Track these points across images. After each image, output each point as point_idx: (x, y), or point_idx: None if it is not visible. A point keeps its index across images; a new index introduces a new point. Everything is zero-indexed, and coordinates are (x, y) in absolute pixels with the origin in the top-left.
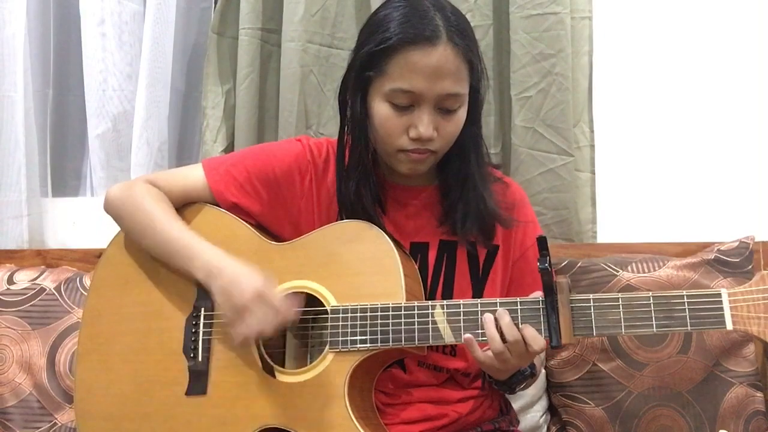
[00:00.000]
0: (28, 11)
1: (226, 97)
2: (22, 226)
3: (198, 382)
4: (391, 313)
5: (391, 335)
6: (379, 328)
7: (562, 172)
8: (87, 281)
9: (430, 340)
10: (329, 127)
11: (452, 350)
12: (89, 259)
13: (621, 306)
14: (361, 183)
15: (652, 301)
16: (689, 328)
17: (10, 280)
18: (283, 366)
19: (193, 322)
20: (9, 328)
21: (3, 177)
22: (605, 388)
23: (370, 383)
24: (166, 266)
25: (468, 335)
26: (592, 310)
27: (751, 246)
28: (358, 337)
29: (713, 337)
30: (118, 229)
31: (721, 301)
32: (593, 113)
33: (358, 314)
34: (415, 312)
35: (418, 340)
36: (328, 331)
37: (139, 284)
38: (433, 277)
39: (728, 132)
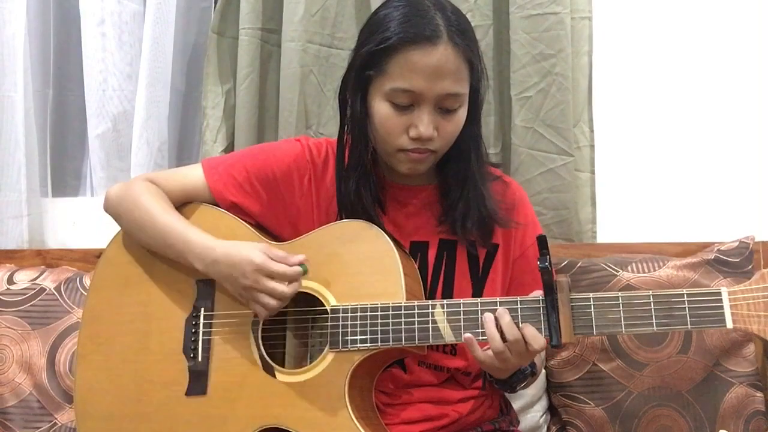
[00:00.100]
0: (28, 11)
1: (226, 97)
2: (22, 226)
3: (198, 382)
4: (391, 312)
5: (391, 335)
6: (379, 328)
7: (562, 172)
8: (87, 281)
9: (431, 340)
10: (329, 127)
11: (452, 349)
12: (89, 259)
13: (621, 305)
14: (361, 182)
15: (652, 299)
16: (689, 326)
17: (10, 280)
18: (283, 366)
19: (193, 322)
20: (9, 328)
21: (3, 177)
22: (605, 388)
23: (371, 383)
24: (166, 264)
25: (468, 334)
26: (593, 309)
27: (751, 246)
28: (359, 337)
29: (713, 337)
30: (117, 229)
31: (721, 299)
32: (593, 113)
33: (358, 314)
34: (415, 311)
35: (418, 340)
36: (328, 331)
37: (139, 284)
38: (433, 276)
39: (728, 132)
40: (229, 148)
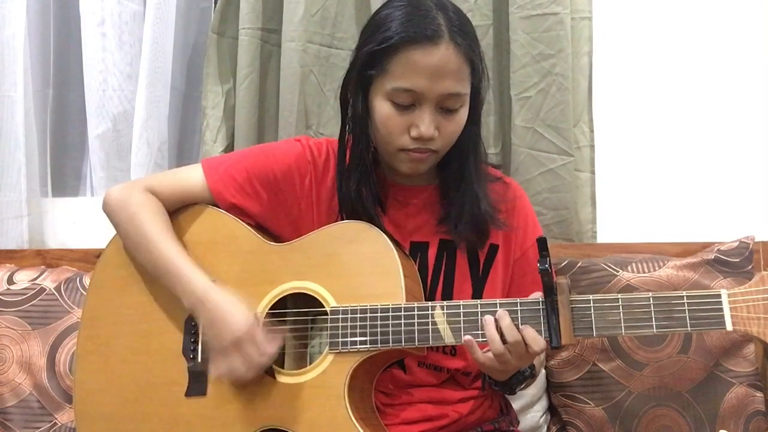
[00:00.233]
0: (28, 11)
1: (226, 97)
2: (22, 226)
3: (198, 383)
4: (390, 314)
5: (390, 336)
6: (378, 329)
7: (562, 172)
8: (87, 281)
9: (430, 341)
10: (329, 127)
11: (452, 350)
12: (89, 259)
13: (621, 307)
14: (362, 182)
15: (652, 301)
16: (689, 328)
17: (10, 280)
18: (282, 367)
19: (193, 323)
20: (9, 328)
21: (3, 177)
22: (605, 388)
23: (370, 384)
24: None
25: (468, 336)
26: (592, 311)
27: (751, 246)
28: (358, 338)
29: (713, 337)
30: None
31: (721, 301)
32: (593, 113)
33: (358, 315)
34: (415, 313)
35: (418, 341)
36: (328, 331)
37: (138, 285)
38: (433, 276)
39: (728, 132)
40: (229, 148)
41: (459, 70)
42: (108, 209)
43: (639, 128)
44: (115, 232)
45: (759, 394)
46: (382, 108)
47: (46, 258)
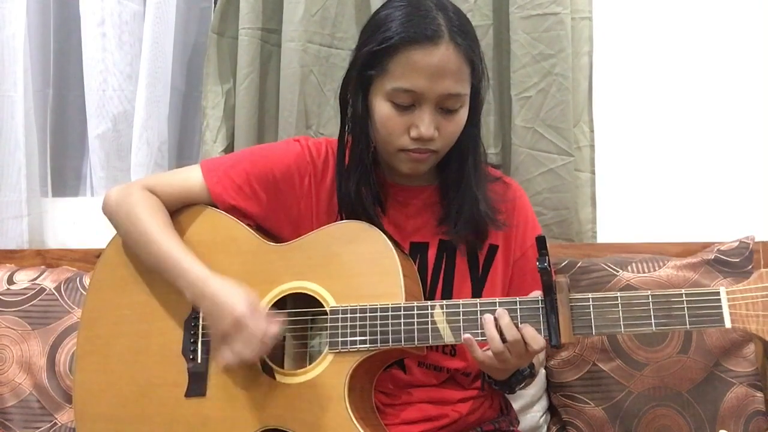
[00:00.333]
0: (28, 11)
1: (226, 97)
2: (22, 226)
3: (197, 383)
4: (390, 313)
5: (390, 336)
6: (378, 329)
7: (562, 172)
8: (87, 281)
9: (430, 341)
10: (329, 127)
11: (452, 350)
12: (89, 259)
13: (620, 305)
14: (362, 182)
15: (651, 299)
16: (688, 326)
17: (10, 280)
18: (282, 367)
19: (192, 324)
20: (9, 328)
21: (3, 177)
22: (605, 388)
23: (370, 384)
24: None
25: (467, 335)
26: (592, 309)
27: (751, 246)
28: (358, 338)
29: (713, 337)
30: None
31: (720, 299)
32: (593, 113)
33: (358, 315)
34: (415, 312)
35: (417, 341)
36: (328, 331)
37: (138, 285)
38: (433, 276)
39: (728, 132)
40: (229, 148)
41: (459, 71)
42: (108, 210)
43: (639, 128)
44: (115, 233)
45: (759, 394)
46: (382, 108)
47: (46, 258)
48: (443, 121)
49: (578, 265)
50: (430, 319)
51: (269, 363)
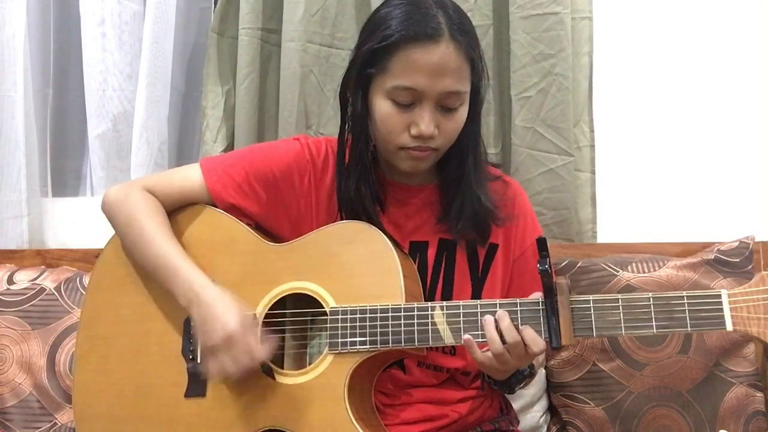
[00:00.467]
0: (28, 11)
1: (226, 97)
2: (22, 226)
3: (197, 383)
4: (390, 314)
5: (390, 336)
6: (378, 330)
7: (562, 172)
8: (87, 281)
9: (430, 342)
10: (329, 127)
11: (452, 349)
12: (89, 259)
13: (621, 307)
14: (361, 181)
15: (652, 302)
16: (689, 329)
17: (10, 280)
18: (282, 367)
19: (192, 324)
20: (9, 328)
21: (3, 177)
22: (605, 388)
23: (370, 384)
24: None
25: (467, 336)
26: (592, 311)
27: (751, 246)
28: (358, 339)
29: (713, 337)
30: None
31: (721, 302)
32: (593, 113)
33: (357, 315)
34: (415, 313)
35: (417, 342)
36: (327, 332)
37: (137, 285)
38: (433, 275)
39: (728, 132)
40: (229, 148)
41: (459, 68)
42: (106, 209)
43: (639, 128)
44: (114, 233)
45: (759, 394)
46: (382, 106)
47: (46, 258)
48: (443, 119)
49: (578, 265)
50: (430, 320)
51: (269, 363)
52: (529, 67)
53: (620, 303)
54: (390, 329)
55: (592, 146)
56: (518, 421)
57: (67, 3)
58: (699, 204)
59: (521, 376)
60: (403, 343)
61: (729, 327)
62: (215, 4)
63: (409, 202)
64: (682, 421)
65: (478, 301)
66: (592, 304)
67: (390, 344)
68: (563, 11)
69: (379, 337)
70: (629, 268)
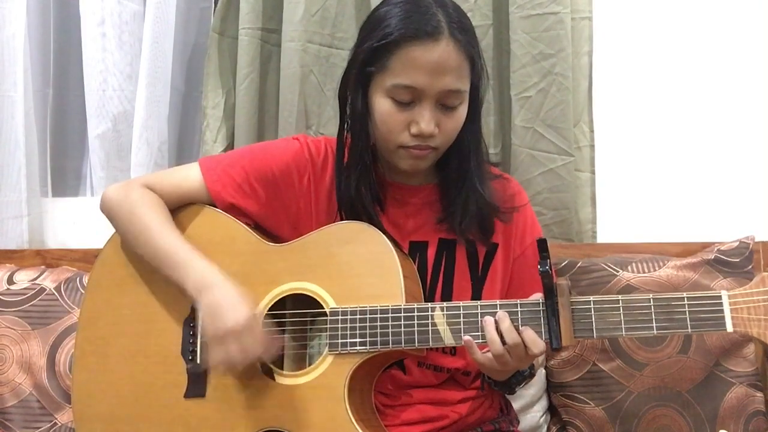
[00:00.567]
0: (28, 11)
1: (226, 97)
2: (22, 226)
3: (197, 384)
4: (390, 315)
5: (390, 337)
6: (378, 331)
7: (562, 172)
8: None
9: (430, 342)
10: (329, 127)
11: (452, 349)
12: (89, 259)
13: (621, 308)
14: (361, 180)
15: (652, 303)
16: (689, 330)
17: (10, 280)
18: (281, 368)
19: (191, 324)
20: (9, 328)
21: (3, 177)
22: (605, 388)
23: (370, 385)
24: None
25: (467, 337)
26: (593, 312)
27: (751, 246)
28: (358, 340)
29: (713, 338)
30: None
31: (722, 303)
32: (593, 113)
33: (357, 316)
34: (415, 314)
35: (417, 342)
36: (327, 333)
37: (136, 285)
38: (433, 275)
39: (728, 132)
40: (229, 148)
41: (459, 67)
42: (106, 207)
43: (639, 128)
44: (113, 232)
45: (759, 394)
46: (381, 105)
47: (46, 258)
48: (443, 118)
49: (578, 265)
50: (430, 321)
51: (268, 364)
52: (528, 67)
53: (620, 304)
54: (390, 330)
55: (592, 146)
56: (518, 422)
57: (67, 3)
58: (699, 204)
59: (521, 377)
60: (403, 344)
61: (729, 328)
62: (215, 4)
63: (408, 201)
64: (682, 421)
65: (479, 302)
66: (592, 305)
67: (390, 345)
68: (563, 11)
69: (379, 338)
70: (629, 268)
